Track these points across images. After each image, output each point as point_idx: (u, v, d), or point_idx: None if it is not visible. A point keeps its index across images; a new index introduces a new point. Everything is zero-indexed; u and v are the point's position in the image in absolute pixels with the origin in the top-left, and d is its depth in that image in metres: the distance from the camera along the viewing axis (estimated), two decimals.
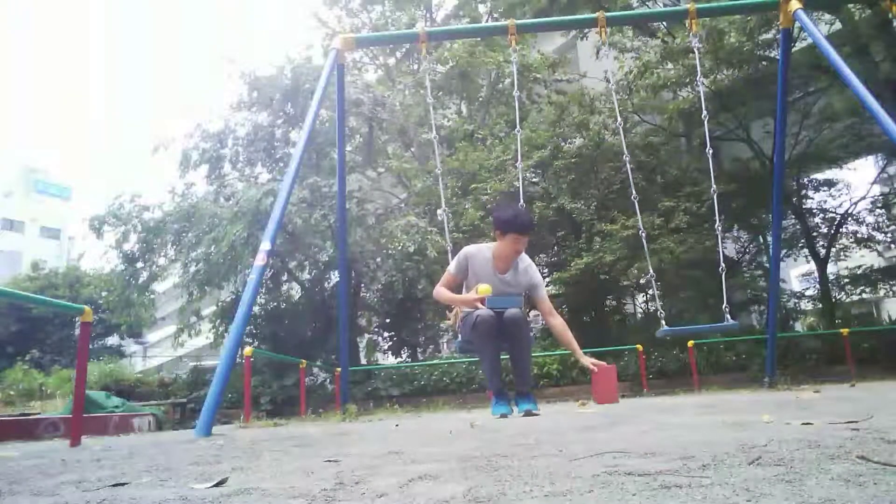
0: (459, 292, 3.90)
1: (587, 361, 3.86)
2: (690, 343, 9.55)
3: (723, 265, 5.06)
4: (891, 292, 13.52)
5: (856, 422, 1.89)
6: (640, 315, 13.72)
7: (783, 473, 1.13)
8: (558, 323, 3.95)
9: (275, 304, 12.94)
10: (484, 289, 3.63)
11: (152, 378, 14.93)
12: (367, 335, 14.20)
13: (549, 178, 11.95)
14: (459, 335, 3.96)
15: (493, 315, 3.62)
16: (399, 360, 13.34)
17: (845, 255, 13.72)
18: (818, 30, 5.33)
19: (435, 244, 10.37)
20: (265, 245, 4.20)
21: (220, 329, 12.54)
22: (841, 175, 13.88)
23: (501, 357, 3.93)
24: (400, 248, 10.94)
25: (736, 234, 13.35)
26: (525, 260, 3.96)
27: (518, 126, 5.63)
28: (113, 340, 25.94)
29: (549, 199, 11.41)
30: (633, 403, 5.15)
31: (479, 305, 3.61)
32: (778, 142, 6.78)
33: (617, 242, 10.21)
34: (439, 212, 12.15)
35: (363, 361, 13.46)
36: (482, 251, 3.91)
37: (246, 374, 6.46)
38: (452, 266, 3.93)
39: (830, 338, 10.51)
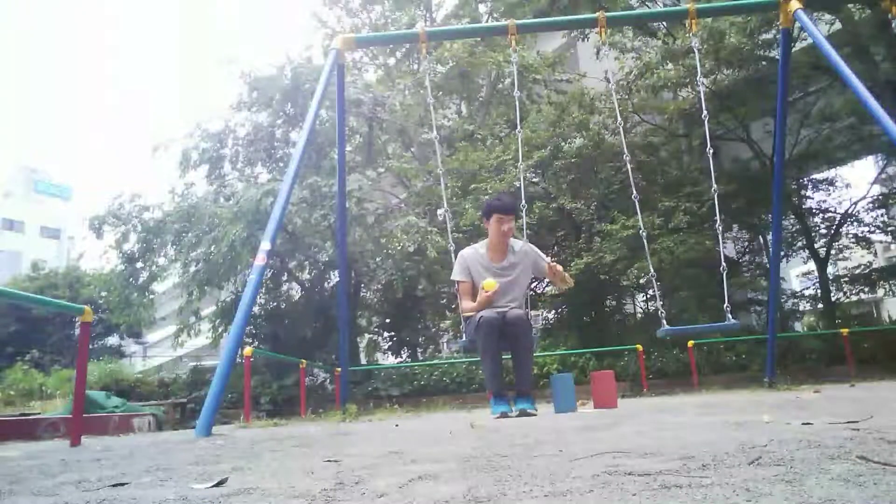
0: (476, 293, 3.94)
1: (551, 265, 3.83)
2: (690, 343, 9.55)
3: (723, 265, 5.05)
4: (891, 292, 13.51)
5: (856, 422, 1.89)
6: (640, 315, 13.71)
7: (783, 473, 1.13)
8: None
9: (275, 304, 12.93)
10: (488, 283, 3.68)
11: (152, 378, 14.91)
12: (367, 335, 14.20)
13: (549, 178, 11.94)
14: (464, 334, 4.00)
15: (496, 316, 3.66)
16: (399, 360, 13.33)
17: (844, 257, 13.73)
18: (818, 30, 5.32)
19: (435, 244, 10.36)
20: (265, 245, 4.20)
21: (220, 329, 12.53)
22: (841, 174, 13.89)
23: (503, 357, 3.95)
24: (400, 247, 10.93)
25: (736, 234, 13.34)
26: (517, 242, 4.00)
27: (519, 126, 5.63)
28: (113, 340, 25.96)
29: (549, 199, 11.40)
30: (633, 403, 5.15)
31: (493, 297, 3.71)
32: (778, 142, 6.78)
33: (617, 242, 10.20)
34: (440, 212, 12.17)
35: (363, 361, 13.45)
36: (475, 249, 4.03)
37: (246, 374, 6.47)
38: (457, 274, 3.98)
39: (830, 338, 10.52)
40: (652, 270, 5.40)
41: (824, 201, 13.37)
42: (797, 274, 19.51)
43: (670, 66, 11.04)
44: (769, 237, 10.52)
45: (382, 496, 1.16)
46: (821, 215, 13.25)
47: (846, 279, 13.43)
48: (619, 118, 6.46)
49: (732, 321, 4.92)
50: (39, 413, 8.97)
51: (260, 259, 4.13)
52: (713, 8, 7.16)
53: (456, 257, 4.13)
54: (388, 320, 13.57)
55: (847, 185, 13.38)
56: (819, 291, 13.19)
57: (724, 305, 4.83)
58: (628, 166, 5.66)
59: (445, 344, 14.14)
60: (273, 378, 10.99)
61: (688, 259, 10.11)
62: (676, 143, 12.75)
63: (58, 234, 47.61)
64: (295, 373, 9.78)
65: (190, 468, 1.75)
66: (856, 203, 13.06)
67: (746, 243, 13.57)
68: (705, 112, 5.34)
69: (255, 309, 11.95)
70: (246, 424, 5.14)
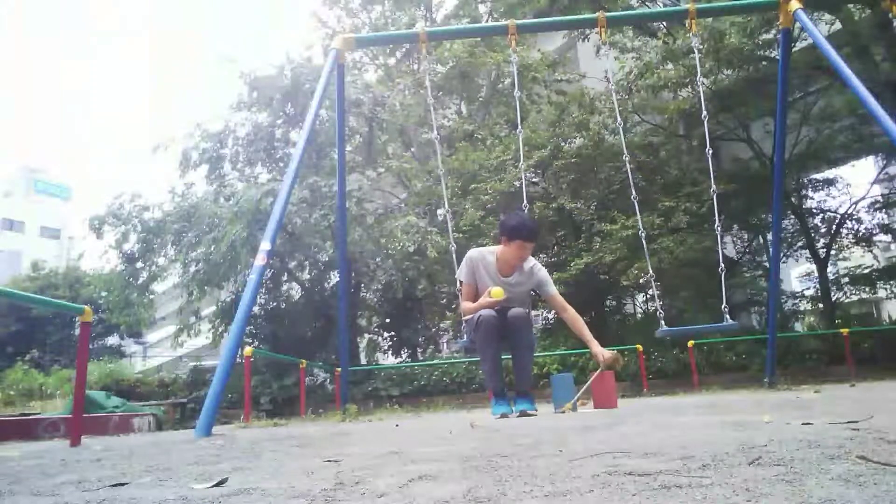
0: (477, 298, 3.93)
1: (596, 350, 3.93)
2: (690, 343, 9.55)
3: (722, 265, 5.05)
4: (891, 292, 13.51)
5: (856, 422, 1.88)
6: (640, 315, 13.70)
7: (783, 473, 1.13)
8: (571, 316, 4.03)
9: (275, 304, 12.93)
10: (496, 292, 3.67)
11: (152, 378, 14.92)
12: (367, 335, 14.20)
13: (549, 178, 11.94)
14: (465, 335, 3.99)
15: (496, 316, 3.65)
16: (399, 360, 13.34)
17: (844, 257, 13.71)
18: (818, 30, 5.33)
19: (435, 244, 10.37)
20: (265, 245, 4.20)
21: (220, 329, 12.54)
22: (841, 174, 13.88)
23: (503, 357, 3.95)
24: (400, 247, 10.94)
25: (736, 234, 13.34)
26: (530, 261, 3.98)
27: (519, 126, 5.63)
28: (113, 340, 25.93)
29: (549, 199, 11.40)
30: (633, 403, 5.15)
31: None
32: (778, 142, 6.77)
33: (617, 242, 10.19)
34: (440, 212, 12.18)
35: (363, 361, 13.46)
36: (485, 255, 3.94)
37: (246, 374, 6.47)
38: (462, 274, 3.95)
39: (830, 338, 10.51)
40: (651, 271, 5.40)
41: (824, 201, 13.36)
42: (797, 274, 19.49)
43: (670, 66, 11.03)
44: (769, 237, 10.52)
45: (382, 496, 1.16)
46: (821, 215, 13.24)
47: (846, 279, 13.43)
48: (619, 118, 6.45)
49: (732, 321, 4.92)
50: (39, 413, 8.99)
51: (260, 259, 4.13)
52: (713, 8, 7.16)
53: (456, 256, 4.11)
54: (388, 320, 13.57)
55: (847, 186, 13.38)
56: (819, 291, 13.19)
57: (724, 306, 4.83)
58: (628, 166, 5.67)
59: (445, 344, 14.14)
60: (273, 378, 10.99)
61: (687, 259, 10.11)
62: (676, 143, 12.74)
63: (58, 234, 47.60)
64: (295, 373, 9.78)
65: (190, 468, 1.75)
66: (856, 203, 13.06)
67: (746, 243, 13.57)
68: (705, 112, 5.34)
69: (255, 309, 11.95)
70: (246, 424, 5.14)
